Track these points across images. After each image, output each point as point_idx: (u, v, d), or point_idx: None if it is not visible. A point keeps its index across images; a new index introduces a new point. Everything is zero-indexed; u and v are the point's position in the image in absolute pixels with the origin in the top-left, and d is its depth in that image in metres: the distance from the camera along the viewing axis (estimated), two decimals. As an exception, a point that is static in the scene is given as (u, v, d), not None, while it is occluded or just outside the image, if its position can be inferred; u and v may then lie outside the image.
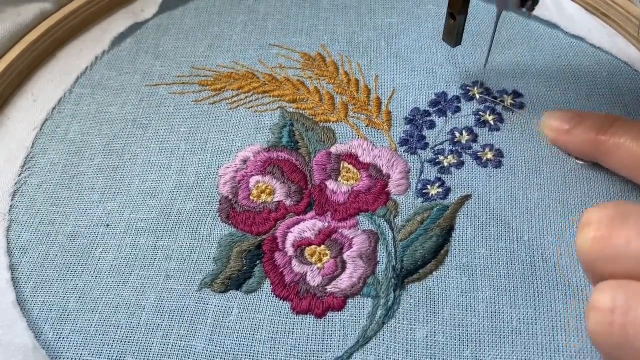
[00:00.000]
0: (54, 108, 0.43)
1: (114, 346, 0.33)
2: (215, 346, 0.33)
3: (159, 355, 0.33)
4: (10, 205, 0.38)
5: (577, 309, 0.34)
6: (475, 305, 0.34)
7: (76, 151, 0.41)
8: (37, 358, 0.32)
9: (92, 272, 0.36)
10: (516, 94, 0.43)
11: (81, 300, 0.35)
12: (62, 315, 0.34)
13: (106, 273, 0.36)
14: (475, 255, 0.36)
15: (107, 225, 0.38)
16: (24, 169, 0.40)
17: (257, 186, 0.39)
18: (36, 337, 0.33)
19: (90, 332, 0.33)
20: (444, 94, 0.43)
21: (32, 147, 0.41)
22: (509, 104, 0.42)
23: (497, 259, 0.36)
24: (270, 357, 0.32)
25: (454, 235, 0.37)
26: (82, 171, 0.40)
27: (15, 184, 0.39)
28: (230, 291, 0.35)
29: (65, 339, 0.33)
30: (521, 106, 0.42)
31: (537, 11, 0.48)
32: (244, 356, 0.32)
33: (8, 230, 0.37)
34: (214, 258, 0.36)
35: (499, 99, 0.43)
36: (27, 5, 0.46)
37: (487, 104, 0.42)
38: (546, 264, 0.35)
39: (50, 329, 0.33)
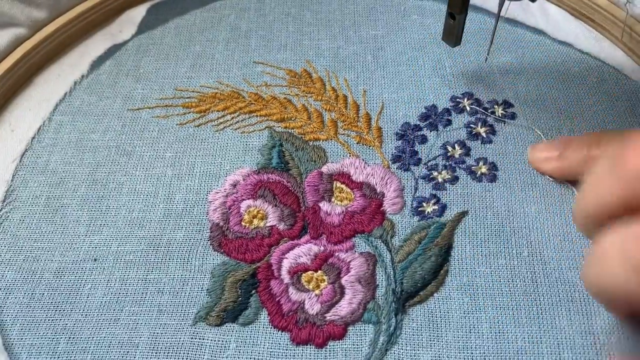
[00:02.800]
0: (33, 138, 0.42)
1: (108, 389, 0.32)
2: (214, 383, 0.32)
3: (156, 396, 0.31)
4: (-8, 244, 0.37)
5: (583, 324, 0.33)
6: (479, 327, 0.33)
7: (59, 182, 0.40)
8: (28, 407, 0.30)
9: (81, 311, 0.34)
10: (507, 104, 0.42)
11: (71, 341, 0.33)
12: (52, 358, 0.33)
13: (96, 311, 0.34)
14: (475, 274, 0.35)
15: (95, 259, 0.36)
16: (5, 203, 0.39)
17: (249, 211, 0.38)
18: (25, 384, 0.31)
19: (83, 375, 0.32)
20: (434, 107, 0.43)
21: (12, 181, 0.40)
22: (500, 115, 0.42)
23: (498, 277, 0.35)
24: (272, 392, 0.31)
25: (453, 254, 0.36)
26: (66, 203, 0.39)
27: (-4, 220, 0.38)
28: (227, 324, 0.34)
29: (56, 384, 0.32)
30: (513, 116, 0.42)
31: (523, 18, 0.47)
32: (244, 393, 0.31)
33: (-9, 271, 0.36)
34: (207, 289, 0.35)
35: (489, 111, 0.42)
36: (0, 32, 0.44)
37: (478, 115, 0.42)
38: (548, 280, 0.35)
39: (40, 374, 0.32)
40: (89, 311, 0.34)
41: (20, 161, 0.41)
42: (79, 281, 0.35)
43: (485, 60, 0.43)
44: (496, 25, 0.40)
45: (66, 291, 0.35)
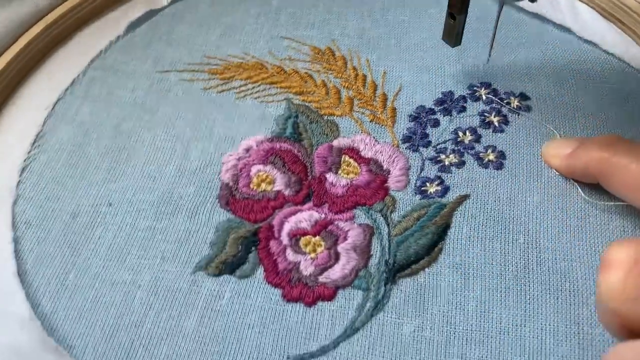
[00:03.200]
0: (66, 89, 0.45)
1: (107, 322, 0.34)
2: (205, 328, 0.33)
3: (150, 334, 0.33)
4: (19, 181, 0.39)
5: (569, 314, 0.34)
6: (465, 304, 0.34)
7: (85, 132, 0.42)
8: (33, 328, 0.33)
9: (91, 250, 0.36)
10: (523, 97, 0.43)
11: (79, 277, 0.35)
12: (59, 290, 0.35)
13: (105, 251, 0.36)
14: (469, 254, 0.36)
15: (110, 204, 0.38)
16: (34, 146, 0.41)
17: (258, 175, 0.39)
18: (33, 308, 0.34)
19: (86, 308, 0.34)
20: (451, 93, 0.43)
21: (43, 126, 0.42)
22: (515, 107, 0.42)
23: (490, 260, 0.36)
24: (258, 342, 0.33)
25: (449, 233, 0.37)
26: (89, 151, 0.41)
27: (25, 160, 0.40)
28: (224, 275, 0.35)
29: (61, 312, 0.34)
30: (528, 109, 0.42)
31: (551, 15, 0.47)
32: (232, 339, 0.33)
33: (14, 205, 0.38)
34: (210, 242, 0.37)
35: (505, 101, 0.42)
36: (47, -12, 0.47)
37: (493, 105, 0.42)
38: (540, 268, 0.35)
39: (48, 302, 0.34)
40: (99, 251, 0.36)
41: (52, 109, 0.43)
42: (93, 223, 0.38)
43: (487, 62, 0.43)
44: (495, 29, 0.40)
45: (80, 231, 0.37)
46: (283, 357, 0.32)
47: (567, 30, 0.47)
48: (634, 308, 0.25)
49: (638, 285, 0.25)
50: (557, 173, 0.39)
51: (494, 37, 0.41)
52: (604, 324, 0.28)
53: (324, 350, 0.33)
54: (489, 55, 0.43)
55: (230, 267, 0.36)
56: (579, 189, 0.38)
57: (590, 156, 0.36)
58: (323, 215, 0.38)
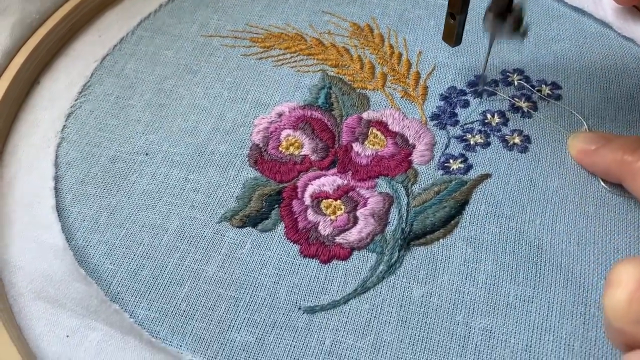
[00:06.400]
0: (115, 46, 0.47)
1: (133, 260, 0.36)
2: (225, 273, 0.35)
3: (173, 274, 0.35)
4: (64, 126, 0.42)
5: (577, 295, 0.34)
6: (475, 276, 0.35)
7: (129, 86, 0.44)
8: (65, 258, 0.35)
9: (125, 193, 0.39)
10: (555, 86, 0.43)
11: (112, 217, 0.38)
12: (93, 227, 0.37)
13: (138, 196, 0.39)
14: (484, 230, 0.37)
15: (147, 154, 0.41)
16: (81, 95, 0.44)
17: (287, 139, 0.41)
18: (67, 240, 0.36)
19: (115, 245, 0.36)
20: (484, 77, 0.44)
21: (90, 78, 0.45)
22: (545, 94, 0.43)
23: (505, 237, 0.36)
24: (273, 291, 0.35)
25: (467, 209, 0.38)
26: (131, 104, 0.43)
27: (71, 107, 0.43)
28: (247, 228, 0.37)
29: (92, 247, 0.36)
30: (558, 98, 0.43)
31: (592, 10, 0.48)
32: (249, 286, 0.35)
33: (58, 147, 0.41)
34: (236, 197, 0.38)
35: (536, 88, 0.43)
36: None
37: (524, 91, 0.43)
38: (553, 249, 0.36)
39: (81, 236, 0.37)
40: (132, 195, 0.39)
41: (100, 63, 0.46)
42: (129, 169, 0.40)
43: (483, 71, 0.43)
44: (487, 61, 0.41)
45: (116, 175, 0.40)
46: (295, 307, 0.34)
47: (607, 26, 0.47)
48: (638, 330, 0.25)
49: None
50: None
51: (485, 68, 0.42)
52: (609, 337, 0.28)
53: (334, 305, 0.34)
54: (482, 83, 0.43)
55: (253, 220, 0.37)
56: (600, 180, 0.38)
57: (614, 158, 0.36)
58: (346, 182, 0.39)
